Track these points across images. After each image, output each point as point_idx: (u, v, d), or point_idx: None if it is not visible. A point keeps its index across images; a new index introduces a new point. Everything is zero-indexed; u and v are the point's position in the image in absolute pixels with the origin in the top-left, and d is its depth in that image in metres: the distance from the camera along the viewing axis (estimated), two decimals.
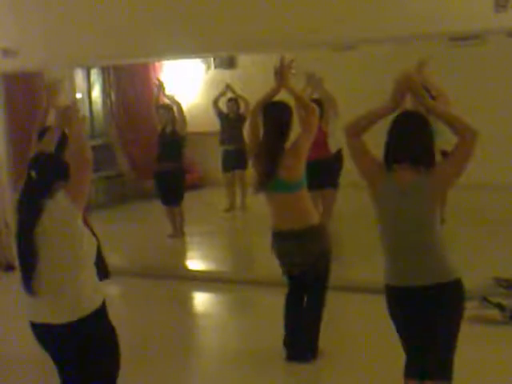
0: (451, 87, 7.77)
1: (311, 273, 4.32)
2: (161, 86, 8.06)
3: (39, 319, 3.01)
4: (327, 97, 6.63)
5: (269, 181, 4.24)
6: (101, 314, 3.06)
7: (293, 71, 9.75)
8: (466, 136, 3.00)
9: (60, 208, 2.95)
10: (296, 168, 4.23)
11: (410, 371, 3.23)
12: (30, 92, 7.34)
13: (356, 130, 3.22)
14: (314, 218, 4.30)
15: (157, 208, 7.98)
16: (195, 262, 7.44)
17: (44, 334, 3.02)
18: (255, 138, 4.37)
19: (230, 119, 8.81)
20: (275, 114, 4.30)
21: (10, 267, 6.73)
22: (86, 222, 3.27)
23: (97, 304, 3.03)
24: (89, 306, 2.99)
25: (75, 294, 2.97)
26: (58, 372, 3.14)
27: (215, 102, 8.91)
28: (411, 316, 3.15)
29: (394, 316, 3.22)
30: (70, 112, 3.31)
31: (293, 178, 4.23)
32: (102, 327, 3.06)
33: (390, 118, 3.22)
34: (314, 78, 6.74)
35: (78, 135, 3.18)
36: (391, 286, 3.18)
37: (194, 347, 5.11)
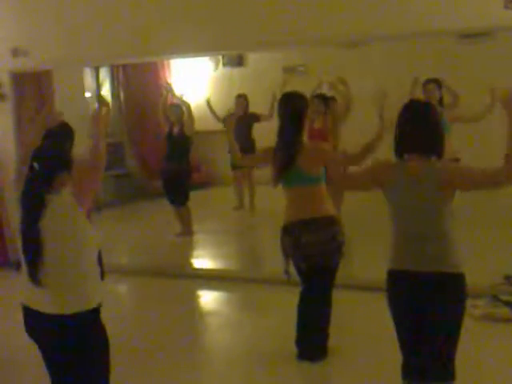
0: (460, 84, 7.75)
1: (320, 264, 4.25)
2: (170, 88, 8.07)
3: (34, 306, 3.02)
4: (344, 100, 6.66)
5: (286, 172, 4.21)
6: (95, 315, 3.05)
7: (300, 68, 9.78)
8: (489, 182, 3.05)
9: (64, 204, 2.96)
10: (315, 163, 4.21)
11: (408, 372, 3.21)
12: (39, 91, 7.37)
13: (349, 185, 3.29)
14: (327, 210, 4.22)
15: (166, 207, 7.99)
16: (204, 261, 7.44)
17: (36, 321, 3.03)
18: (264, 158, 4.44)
19: (239, 117, 8.78)
20: (291, 104, 4.27)
21: (20, 266, 6.74)
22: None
23: (93, 304, 3.03)
24: (86, 304, 2.99)
25: (75, 289, 2.98)
26: (47, 370, 3.14)
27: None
28: (410, 303, 3.13)
29: (393, 305, 3.21)
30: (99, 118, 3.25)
31: (312, 170, 4.20)
32: (94, 328, 3.06)
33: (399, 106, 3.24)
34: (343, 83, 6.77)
35: (98, 140, 3.16)
36: (394, 270, 3.18)
37: (202, 346, 5.11)
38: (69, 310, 2.96)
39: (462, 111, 6.26)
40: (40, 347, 3.10)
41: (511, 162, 2.92)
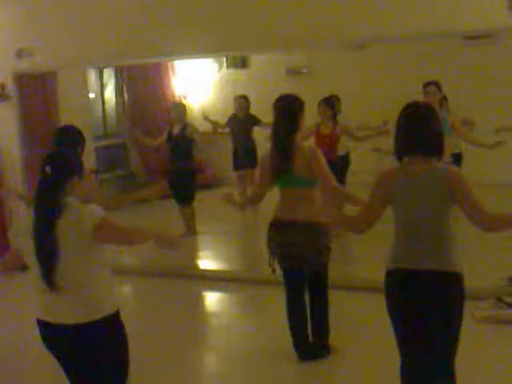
0: (464, 86, 7.75)
1: (310, 270, 4.33)
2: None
3: (46, 318, 3.03)
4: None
5: (282, 175, 4.23)
6: (111, 321, 3.07)
7: (304, 70, 9.80)
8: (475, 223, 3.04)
9: (78, 210, 2.97)
10: (307, 166, 4.22)
11: (406, 373, 3.21)
12: (43, 92, 7.38)
13: (370, 222, 3.27)
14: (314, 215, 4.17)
15: (169, 208, 8.00)
16: (207, 262, 7.45)
17: (49, 333, 3.04)
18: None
19: (239, 118, 8.77)
20: (285, 107, 4.26)
21: (24, 267, 6.77)
22: None
23: (107, 311, 3.04)
24: (99, 311, 3.00)
25: (87, 297, 2.99)
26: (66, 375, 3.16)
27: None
28: (410, 302, 3.13)
29: (392, 304, 3.21)
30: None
31: (304, 174, 4.20)
32: (110, 334, 3.07)
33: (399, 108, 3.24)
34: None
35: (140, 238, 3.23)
36: (393, 269, 3.18)
37: (205, 346, 5.12)
38: (84, 318, 2.96)
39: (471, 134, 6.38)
40: (57, 357, 3.11)
41: (504, 220, 3.00)
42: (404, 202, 3.15)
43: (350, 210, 6.97)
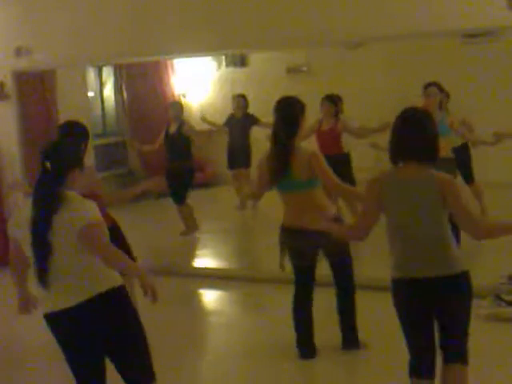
0: (464, 84, 7.74)
1: (333, 266, 4.38)
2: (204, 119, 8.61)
3: (50, 309, 3.03)
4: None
5: (280, 178, 4.22)
6: (113, 296, 3.06)
7: (303, 69, 9.82)
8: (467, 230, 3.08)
9: (77, 202, 2.97)
10: (306, 168, 4.20)
11: (418, 369, 3.21)
12: (42, 91, 7.38)
13: (367, 229, 3.27)
14: (317, 221, 4.01)
15: (168, 206, 7.99)
16: (206, 260, 7.45)
17: (58, 322, 3.04)
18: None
19: (237, 118, 8.77)
20: (285, 110, 4.25)
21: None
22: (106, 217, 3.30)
23: (105, 287, 3.03)
24: (97, 287, 3.00)
25: (82, 280, 2.99)
26: (73, 367, 3.15)
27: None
28: (423, 309, 3.15)
29: (405, 311, 3.21)
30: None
31: (303, 176, 4.19)
32: (116, 308, 3.08)
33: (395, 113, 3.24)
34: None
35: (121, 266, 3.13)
36: (402, 279, 3.17)
37: (204, 344, 5.12)
38: (84, 296, 2.97)
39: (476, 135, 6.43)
40: (68, 344, 3.09)
41: (494, 229, 3.08)
42: (397, 207, 3.14)
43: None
